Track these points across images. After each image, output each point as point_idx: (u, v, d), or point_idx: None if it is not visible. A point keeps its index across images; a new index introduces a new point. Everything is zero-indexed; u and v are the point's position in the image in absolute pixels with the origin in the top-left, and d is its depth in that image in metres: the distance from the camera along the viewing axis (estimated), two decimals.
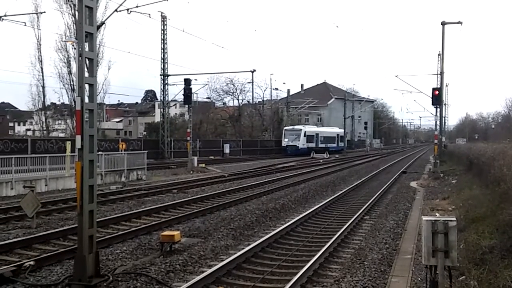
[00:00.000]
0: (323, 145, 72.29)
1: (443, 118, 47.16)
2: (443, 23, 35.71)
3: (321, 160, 53.49)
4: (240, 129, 75.65)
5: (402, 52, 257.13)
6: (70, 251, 10.50)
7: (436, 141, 40.58)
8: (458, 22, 35.50)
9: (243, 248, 11.15)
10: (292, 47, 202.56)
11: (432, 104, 36.98)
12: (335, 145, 78.47)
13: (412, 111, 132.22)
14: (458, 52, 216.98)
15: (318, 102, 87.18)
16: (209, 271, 9.13)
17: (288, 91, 77.58)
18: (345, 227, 13.55)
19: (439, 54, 43.02)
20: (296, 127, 70.74)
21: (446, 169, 33.75)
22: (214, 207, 17.55)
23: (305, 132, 67.94)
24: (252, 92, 72.57)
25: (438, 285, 6.90)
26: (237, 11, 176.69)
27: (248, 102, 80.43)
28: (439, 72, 42.05)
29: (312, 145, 69.20)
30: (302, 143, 66.29)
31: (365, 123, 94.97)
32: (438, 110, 39.54)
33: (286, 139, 67.20)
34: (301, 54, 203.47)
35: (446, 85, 66.98)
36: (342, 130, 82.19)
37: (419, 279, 9.03)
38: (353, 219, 14.90)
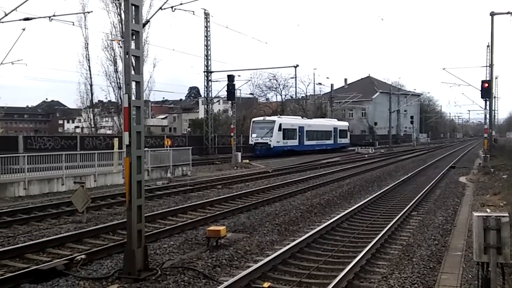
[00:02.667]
0: (311, 142, 56.88)
1: (493, 112, 45.75)
2: (492, 14, 34.53)
3: (366, 155, 52.85)
4: None
5: (450, 44, 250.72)
6: (119, 245, 10.74)
7: (485, 135, 39.42)
8: (508, 13, 34.22)
9: (288, 244, 11.12)
10: (336, 41, 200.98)
11: (481, 97, 35.94)
12: (331, 141, 62.41)
13: (460, 105, 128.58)
14: (508, 43, 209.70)
15: (362, 97, 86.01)
16: (255, 266, 9.15)
17: (332, 85, 77.03)
18: (392, 222, 13.33)
19: (488, 46, 41.66)
20: (268, 118, 53.13)
21: (496, 164, 32.71)
22: (258, 203, 17.59)
23: (280, 125, 50.09)
24: (295, 87, 72.25)
25: (491, 282, 6.72)
26: (280, 6, 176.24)
27: (291, 97, 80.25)
28: (488, 64, 40.78)
29: (294, 142, 52.92)
30: (275, 139, 49.05)
31: (411, 117, 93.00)
32: (488, 103, 38.40)
33: (254, 135, 49.88)
34: (345, 48, 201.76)
35: (496, 78, 64.80)
36: (344, 123, 69.76)
37: (470, 276, 8.79)
38: (400, 214, 14.63)
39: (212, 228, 11.64)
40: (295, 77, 55.32)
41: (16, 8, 19.83)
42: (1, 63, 22.14)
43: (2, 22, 20.22)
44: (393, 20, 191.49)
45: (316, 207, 17.03)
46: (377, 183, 25.11)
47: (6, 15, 19.93)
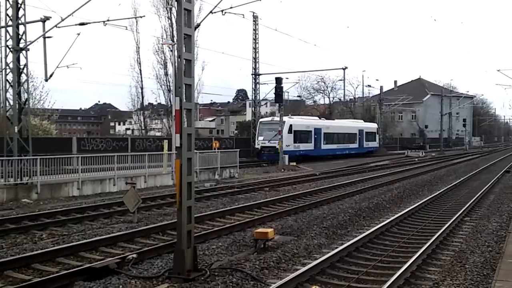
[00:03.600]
0: (331, 146, 50.53)
1: None
2: None
3: (416, 159, 51.80)
4: None
5: (505, 45, 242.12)
6: (169, 246, 10.93)
7: None
8: None
9: (336, 247, 11.04)
10: (385, 42, 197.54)
11: None
12: (355, 145, 55.49)
13: None
14: None
15: (413, 99, 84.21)
16: (303, 269, 9.11)
17: (381, 88, 75.61)
18: (443, 228, 13.00)
19: None
20: (277, 118, 43.65)
21: None
22: (306, 206, 17.54)
23: (290, 126, 43.75)
24: (344, 89, 71.65)
25: None
26: (329, 8, 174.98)
27: (339, 99, 79.59)
28: None
29: (308, 146, 46.56)
30: (285, 143, 41.23)
31: (464, 120, 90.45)
32: None
33: (260, 137, 44.59)
34: (395, 49, 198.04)
35: None
36: (372, 125, 62.68)
37: None
38: (452, 220, 14.26)
39: (260, 230, 11.68)
40: (344, 79, 54.56)
41: (72, 13, 20.48)
42: (57, 67, 22.88)
43: (59, 27, 20.89)
44: (446, 20, 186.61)
45: (364, 210, 16.82)
46: (428, 187, 24.57)
47: (62, 20, 20.60)
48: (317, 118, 55.26)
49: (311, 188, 23.38)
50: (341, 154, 51.73)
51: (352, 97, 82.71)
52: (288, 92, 56.71)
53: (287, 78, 56.71)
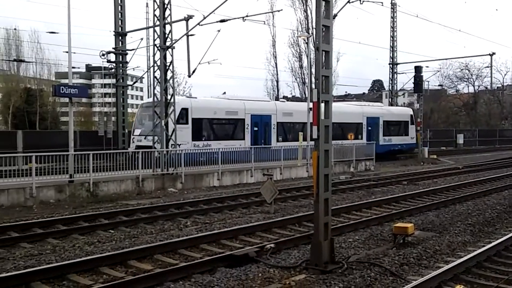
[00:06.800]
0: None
1: None
2: None
3: None
4: (476, 117, 70.29)
5: None
6: (305, 237, 11.01)
7: None
8: None
9: (483, 246, 10.33)
10: None
11: None
12: (359, 142, 32.67)
13: None
14: None
15: None
16: (446, 267, 8.65)
17: None
18: None
19: None
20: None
21: None
22: (448, 201, 16.67)
23: (183, 110, 25.54)
24: (491, 77, 65.76)
25: None
26: None
27: (486, 88, 74.11)
28: None
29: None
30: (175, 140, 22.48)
31: None
32: None
33: (137, 131, 26.75)
34: None
35: None
36: (399, 110, 42.81)
37: None
38: None
39: (399, 224, 11.30)
40: (491, 66, 50.39)
41: (213, 11, 21.35)
42: (199, 63, 24.11)
43: (201, 25, 21.91)
44: None
45: None
46: None
47: (204, 18, 21.58)
48: (268, 99, 36.05)
49: (453, 182, 22.20)
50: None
51: (500, 85, 76.75)
52: (428, 82, 53.82)
53: (427, 67, 53.98)
